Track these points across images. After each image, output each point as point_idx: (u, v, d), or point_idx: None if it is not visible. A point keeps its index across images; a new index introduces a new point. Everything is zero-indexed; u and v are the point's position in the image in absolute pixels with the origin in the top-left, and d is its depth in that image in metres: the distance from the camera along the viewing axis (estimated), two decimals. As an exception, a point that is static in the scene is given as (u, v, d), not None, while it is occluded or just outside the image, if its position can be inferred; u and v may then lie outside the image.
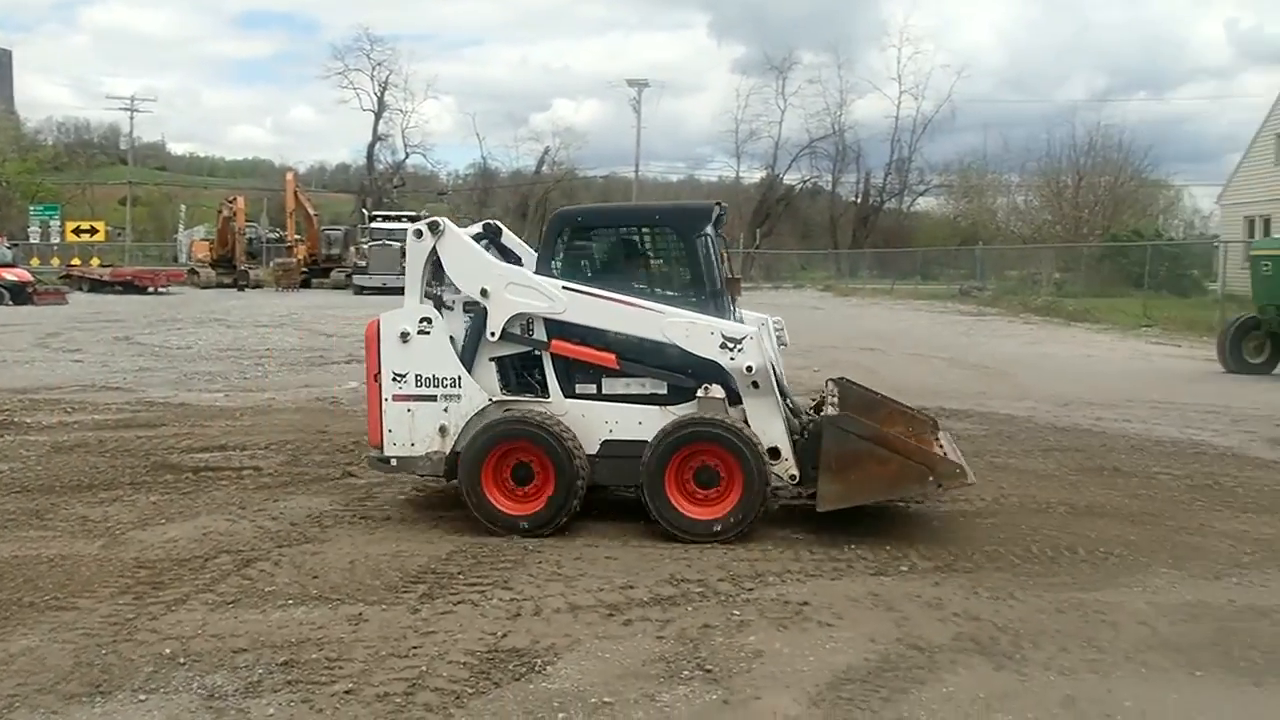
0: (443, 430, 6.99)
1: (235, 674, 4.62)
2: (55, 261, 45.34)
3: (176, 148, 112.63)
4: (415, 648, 4.92)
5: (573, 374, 7.07)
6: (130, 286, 38.27)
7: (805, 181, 71.35)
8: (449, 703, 4.36)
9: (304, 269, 45.54)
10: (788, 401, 7.42)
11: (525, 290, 6.98)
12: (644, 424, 6.89)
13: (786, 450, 6.88)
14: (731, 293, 7.41)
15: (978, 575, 6.11)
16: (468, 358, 7.07)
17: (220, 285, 43.35)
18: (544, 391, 7.07)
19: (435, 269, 7.17)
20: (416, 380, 7.00)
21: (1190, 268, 36.53)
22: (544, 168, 71.88)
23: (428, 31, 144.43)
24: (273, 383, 14.57)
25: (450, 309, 7.19)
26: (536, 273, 7.14)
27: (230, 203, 48.08)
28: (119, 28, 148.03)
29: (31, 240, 51.84)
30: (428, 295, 7.17)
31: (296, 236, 48.56)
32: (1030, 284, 39.12)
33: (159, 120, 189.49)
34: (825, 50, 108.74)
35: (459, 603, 5.52)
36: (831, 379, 8.52)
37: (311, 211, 49.06)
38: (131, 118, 73.36)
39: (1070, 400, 13.48)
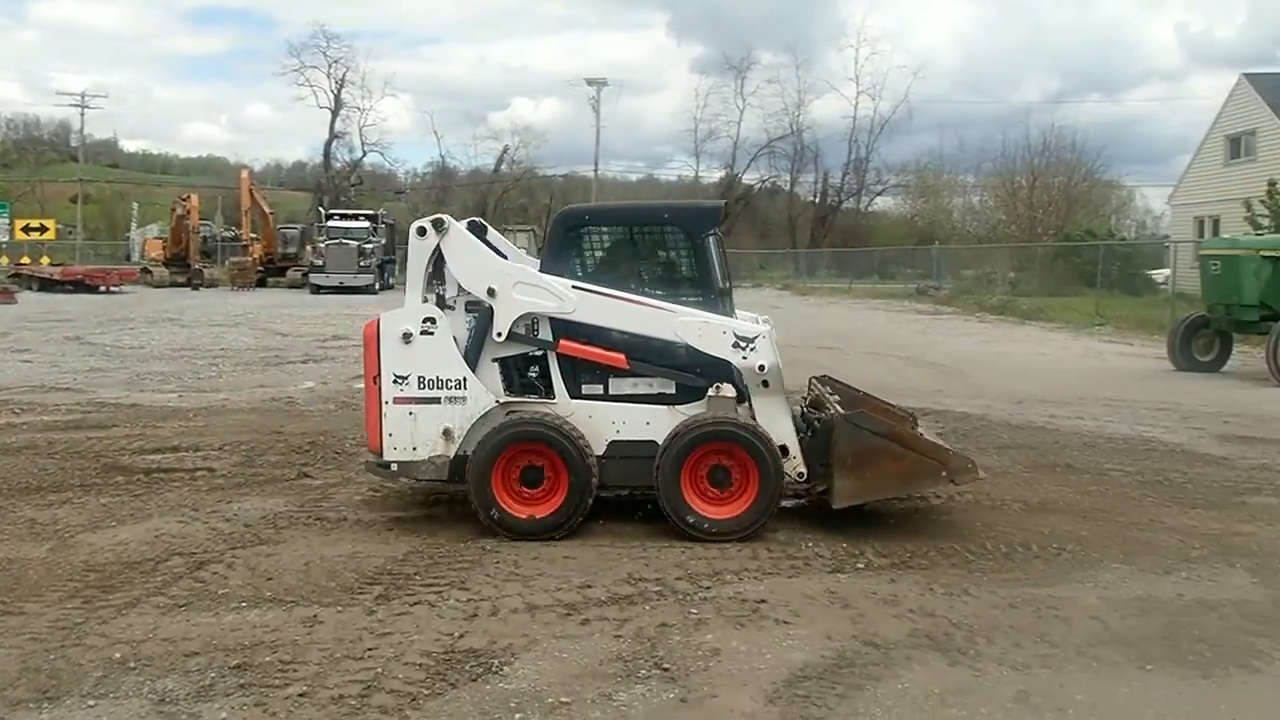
0: (447, 434, 6.83)
1: (187, 678, 4.55)
2: (4, 260, 44.37)
3: (129, 145, 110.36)
4: (371, 649, 4.87)
5: (579, 374, 6.99)
6: (81, 285, 37.77)
7: (764, 181, 71.99)
8: (405, 704, 4.32)
9: (260, 268, 45.30)
10: None
11: (534, 290, 6.88)
12: (652, 424, 6.84)
13: (795, 448, 6.90)
14: None
15: (933, 572, 6.16)
16: (472, 359, 6.93)
17: (174, 284, 42.84)
18: (549, 392, 6.98)
19: (435, 268, 7.05)
20: (419, 382, 6.82)
21: (1142, 267, 37.13)
22: (503, 167, 71.51)
23: (385, 29, 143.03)
24: (227, 383, 14.38)
25: (452, 308, 7.03)
26: (541, 271, 7.05)
27: (184, 200, 47.41)
28: (69, 22, 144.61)
29: (-21, 238, 50.87)
30: (428, 294, 7.06)
31: (252, 235, 48.17)
32: (985, 283, 39.66)
33: (111, 117, 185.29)
34: (784, 50, 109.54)
35: (415, 604, 5.48)
36: (814, 377, 8.56)
37: (267, 210, 48.63)
38: (82, 114, 72.30)
39: (1024, 398, 13.62)
